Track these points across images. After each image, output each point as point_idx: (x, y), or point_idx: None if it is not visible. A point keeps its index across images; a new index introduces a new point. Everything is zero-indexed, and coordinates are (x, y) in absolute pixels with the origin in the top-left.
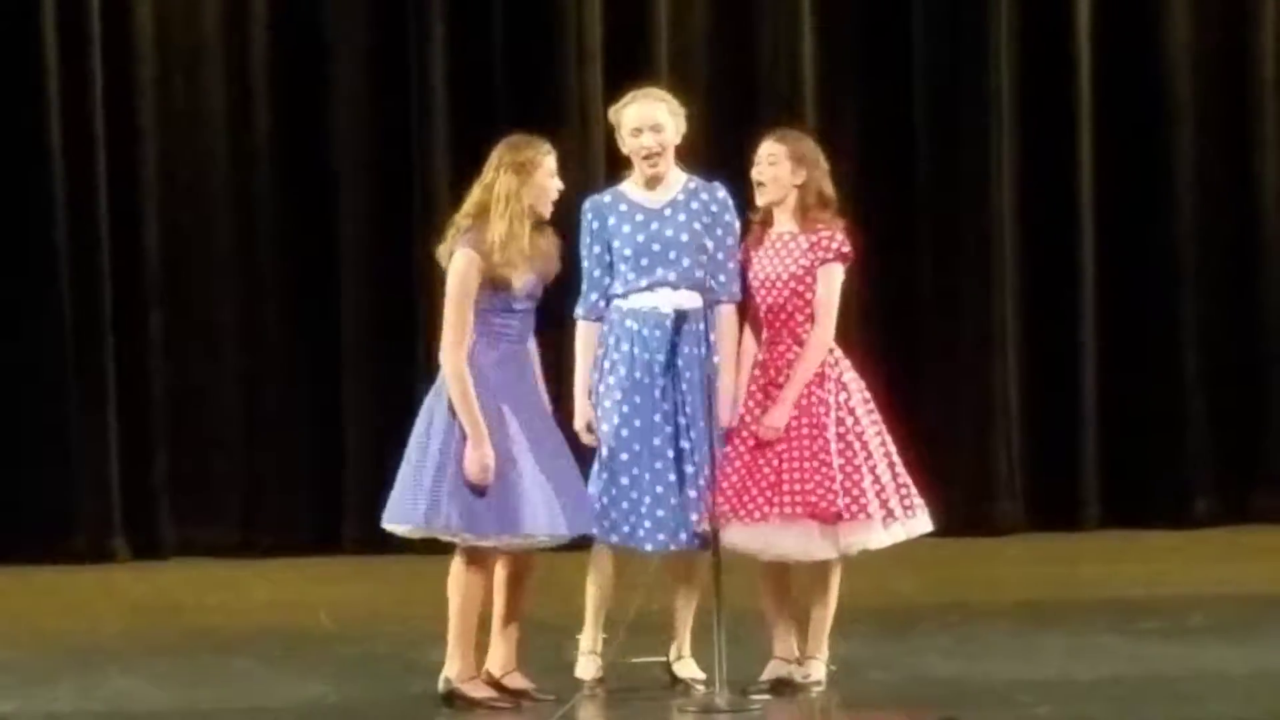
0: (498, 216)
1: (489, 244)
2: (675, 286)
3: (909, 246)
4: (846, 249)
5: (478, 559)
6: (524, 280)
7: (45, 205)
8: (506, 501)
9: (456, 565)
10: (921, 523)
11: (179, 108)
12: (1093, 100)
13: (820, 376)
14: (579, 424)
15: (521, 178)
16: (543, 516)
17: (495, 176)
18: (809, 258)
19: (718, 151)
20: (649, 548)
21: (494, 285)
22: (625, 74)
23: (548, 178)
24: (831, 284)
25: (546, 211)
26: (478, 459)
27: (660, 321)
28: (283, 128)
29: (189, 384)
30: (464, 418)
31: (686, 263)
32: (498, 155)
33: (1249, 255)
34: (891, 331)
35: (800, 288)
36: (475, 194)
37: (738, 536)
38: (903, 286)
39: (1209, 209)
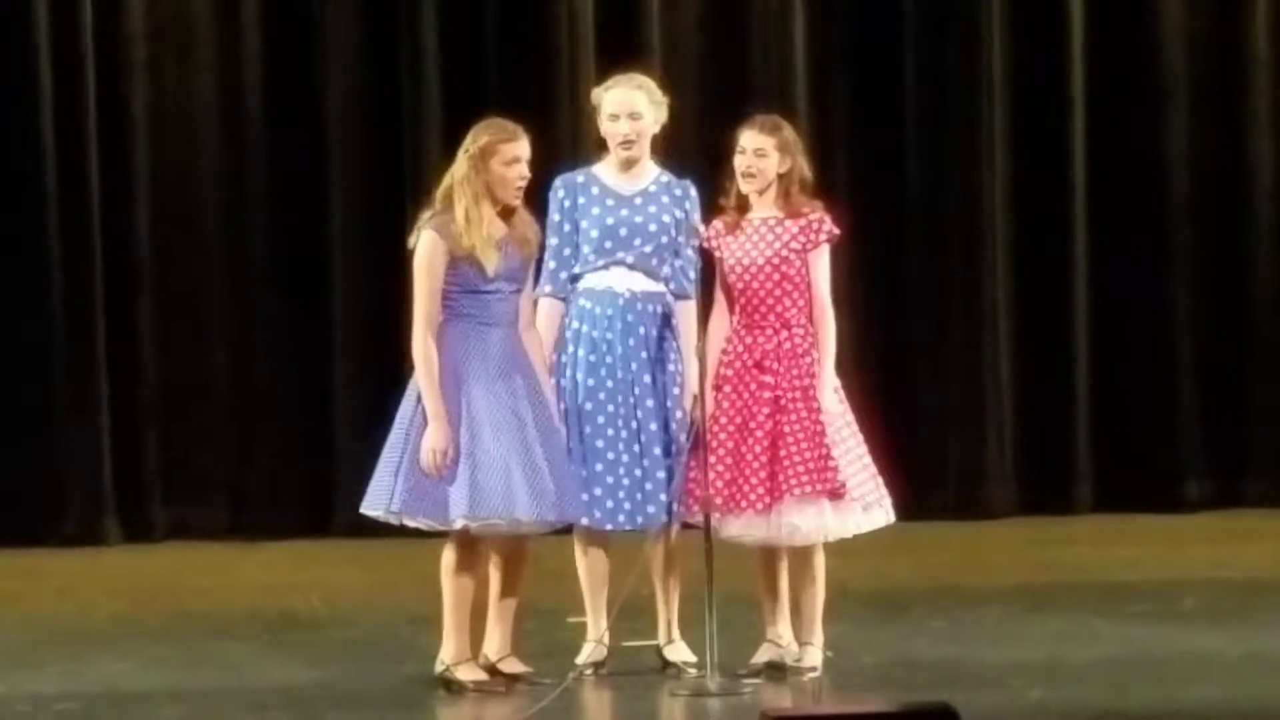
0: (456, 201)
1: (457, 227)
2: (631, 268)
3: (900, 229)
4: (835, 231)
5: (467, 544)
6: (495, 263)
7: (37, 189)
8: (440, 487)
9: (447, 551)
10: (887, 513)
11: (170, 92)
12: (1085, 85)
13: (800, 360)
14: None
15: (473, 163)
16: (479, 501)
17: (457, 162)
18: (799, 242)
19: (707, 136)
20: (627, 526)
21: (467, 266)
22: (617, 58)
23: (504, 165)
24: (824, 266)
25: (508, 198)
26: (429, 444)
27: (614, 300)
28: (273, 111)
29: (180, 367)
30: (426, 401)
31: (648, 249)
32: (465, 140)
33: (1241, 239)
34: (883, 317)
35: (788, 270)
36: (444, 179)
37: (740, 525)
38: (894, 271)
39: (1201, 193)
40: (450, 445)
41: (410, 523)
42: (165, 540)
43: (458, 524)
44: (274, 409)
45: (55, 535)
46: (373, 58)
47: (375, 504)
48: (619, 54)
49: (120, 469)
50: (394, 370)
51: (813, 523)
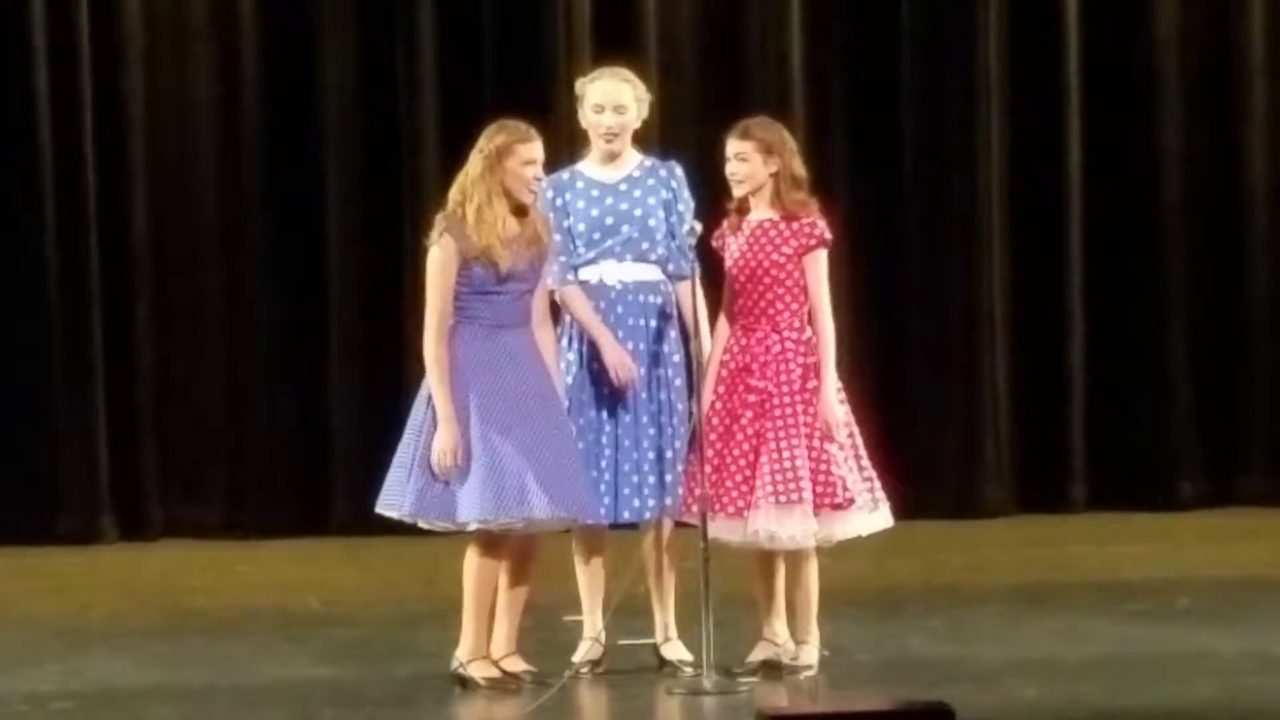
0: (468, 200)
1: (468, 228)
2: (620, 259)
3: (897, 229)
4: (828, 234)
5: (489, 543)
6: (508, 262)
7: (33, 187)
8: (450, 487)
9: (469, 550)
10: (883, 516)
11: (166, 92)
12: (1081, 83)
13: (789, 365)
14: (625, 374)
15: (489, 163)
16: (491, 501)
17: (471, 162)
18: (792, 246)
19: (704, 135)
20: (608, 521)
21: (480, 267)
22: (613, 60)
23: (520, 164)
24: (821, 271)
25: (523, 197)
26: (439, 445)
27: (605, 294)
28: (271, 113)
29: (176, 365)
30: (436, 403)
31: (635, 235)
32: (479, 140)
33: (1236, 238)
34: (880, 316)
35: (781, 275)
36: (457, 180)
37: (716, 528)
38: (891, 270)
39: (1196, 191)
40: (459, 447)
41: (424, 524)
42: (162, 538)
43: (469, 525)
44: (270, 407)
45: (52, 533)
46: (370, 57)
47: (390, 504)
48: (615, 55)
49: (117, 467)
50: (392, 369)
51: (793, 529)
